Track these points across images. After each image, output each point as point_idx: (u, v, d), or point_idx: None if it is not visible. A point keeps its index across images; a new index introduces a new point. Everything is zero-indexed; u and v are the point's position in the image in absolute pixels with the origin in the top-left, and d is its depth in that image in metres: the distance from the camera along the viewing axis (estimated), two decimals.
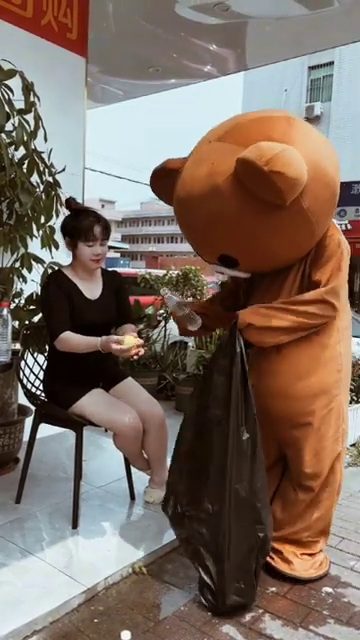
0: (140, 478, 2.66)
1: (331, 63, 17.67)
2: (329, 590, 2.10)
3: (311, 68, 18.33)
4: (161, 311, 5.47)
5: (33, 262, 2.82)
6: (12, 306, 2.83)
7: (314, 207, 1.91)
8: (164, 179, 2.16)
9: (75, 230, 2.36)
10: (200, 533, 1.93)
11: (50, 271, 2.73)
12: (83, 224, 2.35)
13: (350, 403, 3.95)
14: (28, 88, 2.56)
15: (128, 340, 2.18)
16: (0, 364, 2.36)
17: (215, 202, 1.90)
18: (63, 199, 2.82)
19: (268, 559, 2.16)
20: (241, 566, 1.90)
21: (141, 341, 2.25)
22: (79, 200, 3.52)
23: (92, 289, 2.46)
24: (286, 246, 2.00)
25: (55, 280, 2.40)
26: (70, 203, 2.47)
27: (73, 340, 2.27)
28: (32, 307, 2.88)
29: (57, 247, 2.79)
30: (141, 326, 5.22)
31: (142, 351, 2.23)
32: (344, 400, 2.17)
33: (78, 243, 2.36)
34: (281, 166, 1.72)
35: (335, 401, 2.10)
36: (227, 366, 1.94)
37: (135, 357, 2.23)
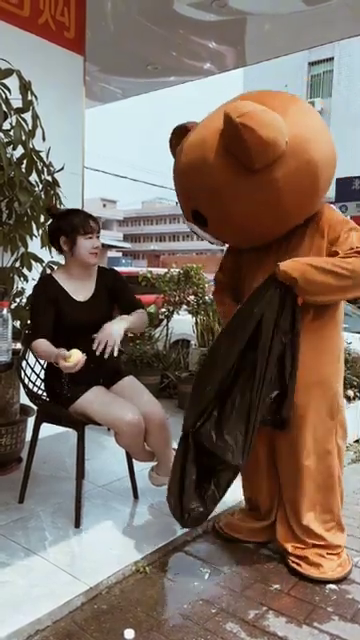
0: (143, 477, 2.65)
1: (331, 59, 17.63)
2: (333, 587, 2.09)
3: (311, 64, 18.29)
4: (163, 310, 5.46)
5: (33, 261, 2.82)
6: (13, 305, 2.82)
7: (286, 184, 1.89)
8: (181, 138, 2.22)
9: (72, 226, 2.37)
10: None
11: (49, 270, 2.73)
12: (78, 219, 2.38)
13: (354, 399, 3.93)
14: (26, 87, 2.55)
15: (75, 356, 2.16)
16: (0, 363, 2.36)
17: (197, 151, 1.99)
18: (63, 199, 2.82)
19: (295, 566, 2.15)
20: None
21: (84, 356, 2.18)
22: (79, 199, 3.54)
23: (84, 290, 2.45)
24: (250, 218, 2.01)
25: (42, 286, 2.43)
26: (52, 209, 2.54)
27: (38, 347, 2.31)
28: None
29: None
30: None
31: (81, 364, 2.17)
32: (340, 391, 2.20)
33: (77, 238, 2.37)
34: (254, 123, 1.75)
35: (331, 391, 2.13)
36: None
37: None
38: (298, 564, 2.15)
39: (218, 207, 2.04)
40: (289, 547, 2.18)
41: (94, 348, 2.23)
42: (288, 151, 1.84)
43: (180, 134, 2.22)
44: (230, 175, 1.91)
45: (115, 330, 2.28)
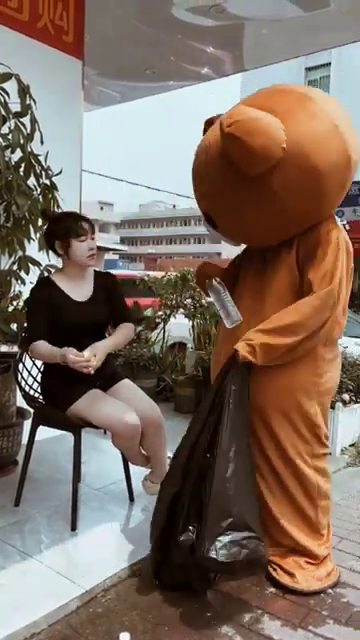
0: (139, 480, 2.65)
1: (328, 64, 17.70)
2: (329, 590, 2.09)
3: (308, 69, 18.35)
4: (160, 313, 5.48)
5: (30, 265, 2.82)
6: (10, 309, 2.83)
7: (286, 191, 1.89)
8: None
9: (65, 230, 2.40)
10: None
11: (46, 274, 2.73)
12: (70, 222, 2.40)
13: (349, 403, 3.95)
14: (24, 91, 2.56)
15: (87, 354, 2.25)
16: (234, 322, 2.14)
17: (202, 156, 2.05)
18: (60, 202, 2.83)
19: (271, 570, 2.12)
20: None
21: (94, 363, 2.24)
22: (76, 202, 3.55)
23: (82, 291, 2.47)
24: (251, 219, 2.02)
25: (39, 289, 2.44)
26: (48, 213, 2.56)
27: (38, 349, 2.32)
28: None
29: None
30: (140, 328, 5.24)
31: (91, 367, 2.23)
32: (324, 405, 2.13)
33: (71, 242, 2.39)
34: (242, 132, 1.74)
35: (306, 405, 2.05)
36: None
37: (85, 370, 2.22)
38: (275, 569, 2.11)
39: (223, 212, 2.08)
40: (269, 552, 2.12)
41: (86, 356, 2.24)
42: (287, 158, 1.82)
43: (208, 127, 2.17)
44: (230, 182, 1.92)
45: (107, 350, 2.35)
